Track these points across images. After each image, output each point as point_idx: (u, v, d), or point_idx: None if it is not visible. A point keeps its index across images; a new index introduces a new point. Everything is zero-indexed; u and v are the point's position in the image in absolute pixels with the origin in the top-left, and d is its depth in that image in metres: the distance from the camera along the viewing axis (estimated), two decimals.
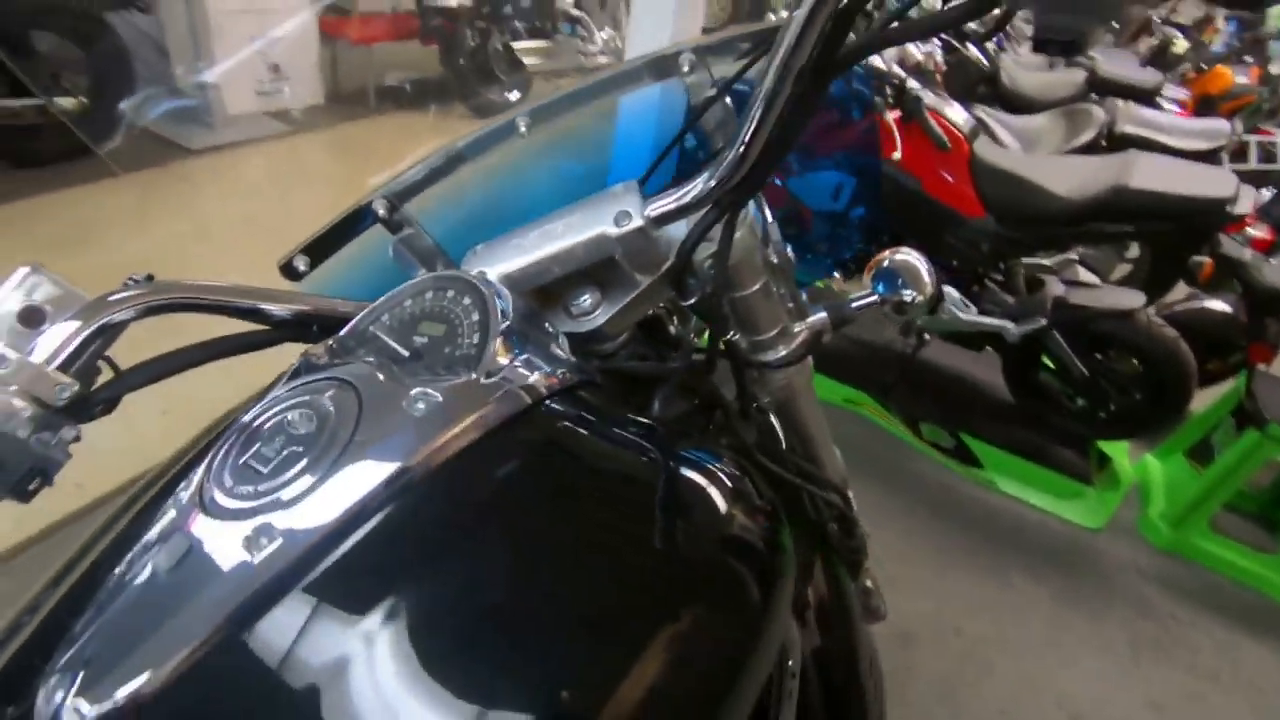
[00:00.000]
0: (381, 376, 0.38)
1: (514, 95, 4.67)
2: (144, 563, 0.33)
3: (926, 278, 0.65)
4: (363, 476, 0.34)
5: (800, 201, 2.12)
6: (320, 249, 0.59)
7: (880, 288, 0.65)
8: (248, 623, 0.30)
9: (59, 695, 0.29)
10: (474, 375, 0.39)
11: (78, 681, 0.30)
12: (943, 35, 2.96)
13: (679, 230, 0.52)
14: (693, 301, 0.54)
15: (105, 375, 0.45)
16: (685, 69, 0.52)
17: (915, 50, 2.03)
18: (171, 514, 0.36)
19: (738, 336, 0.64)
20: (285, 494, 0.33)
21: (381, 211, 0.57)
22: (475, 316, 0.42)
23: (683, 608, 0.36)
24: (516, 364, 0.41)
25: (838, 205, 2.03)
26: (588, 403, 0.45)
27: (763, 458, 0.69)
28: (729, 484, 0.43)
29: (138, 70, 3.03)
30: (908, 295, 0.64)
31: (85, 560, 0.40)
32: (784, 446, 0.86)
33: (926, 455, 2.16)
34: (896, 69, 1.83)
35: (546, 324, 0.50)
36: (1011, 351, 2.11)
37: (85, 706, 0.29)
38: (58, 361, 0.41)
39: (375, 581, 0.32)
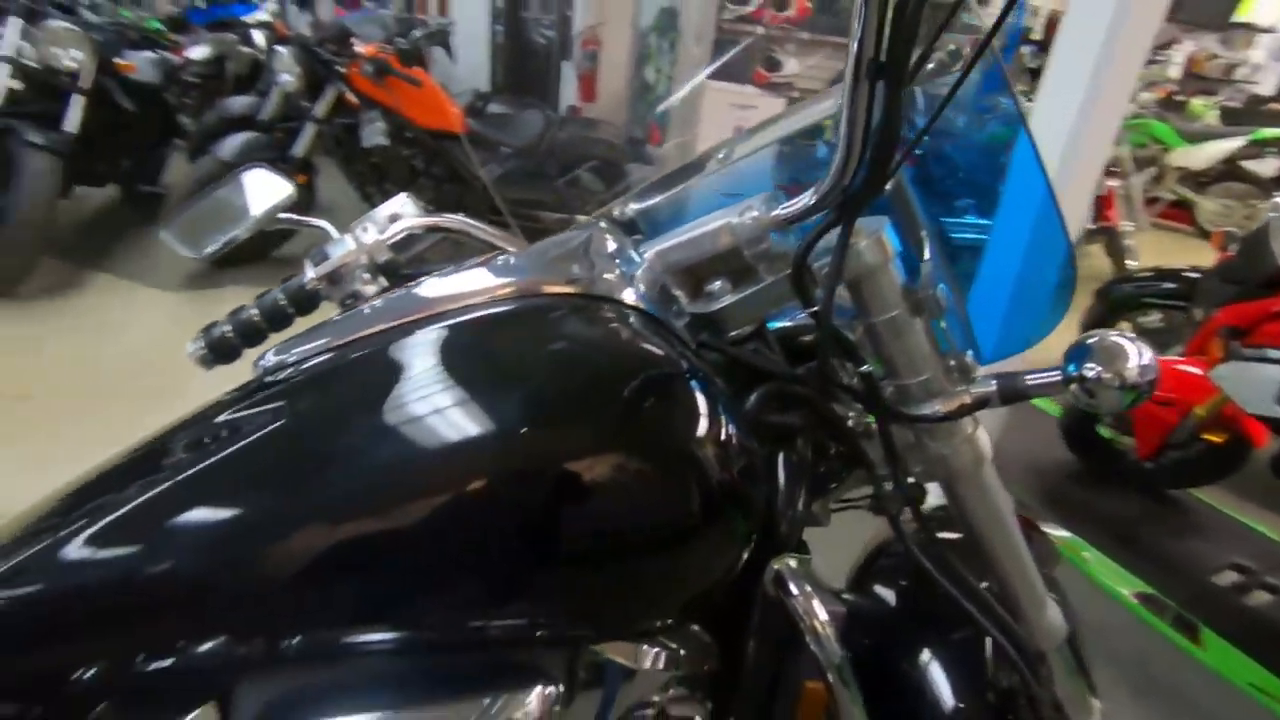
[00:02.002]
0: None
1: None
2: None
3: (1132, 361, 0.53)
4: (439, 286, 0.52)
5: (1234, 403, 1.66)
6: None
7: (1070, 367, 0.56)
8: (350, 347, 0.50)
9: (269, 353, 0.52)
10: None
11: (280, 352, 0.52)
12: None
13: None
14: (813, 310, 0.57)
15: None
16: None
17: None
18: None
19: (883, 380, 0.62)
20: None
21: (616, 213, 0.76)
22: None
23: (606, 456, 0.44)
24: (609, 268, 0.54)
25: None
26: (655, 324, 0.54)
27: (917, 550, 0.63)
28: (711, 418, 0.48)
29: None
30: (1091, 371, 0.54)
31: None
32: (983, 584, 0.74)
33: None
34: None
35: (676, 298, 0.61)
36: None
37: (271, 356, 0.51)
38: (389, 242, 0.70)
39: (419, 348, 0.48)
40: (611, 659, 0.52)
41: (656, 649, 0.53)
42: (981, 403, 0.59)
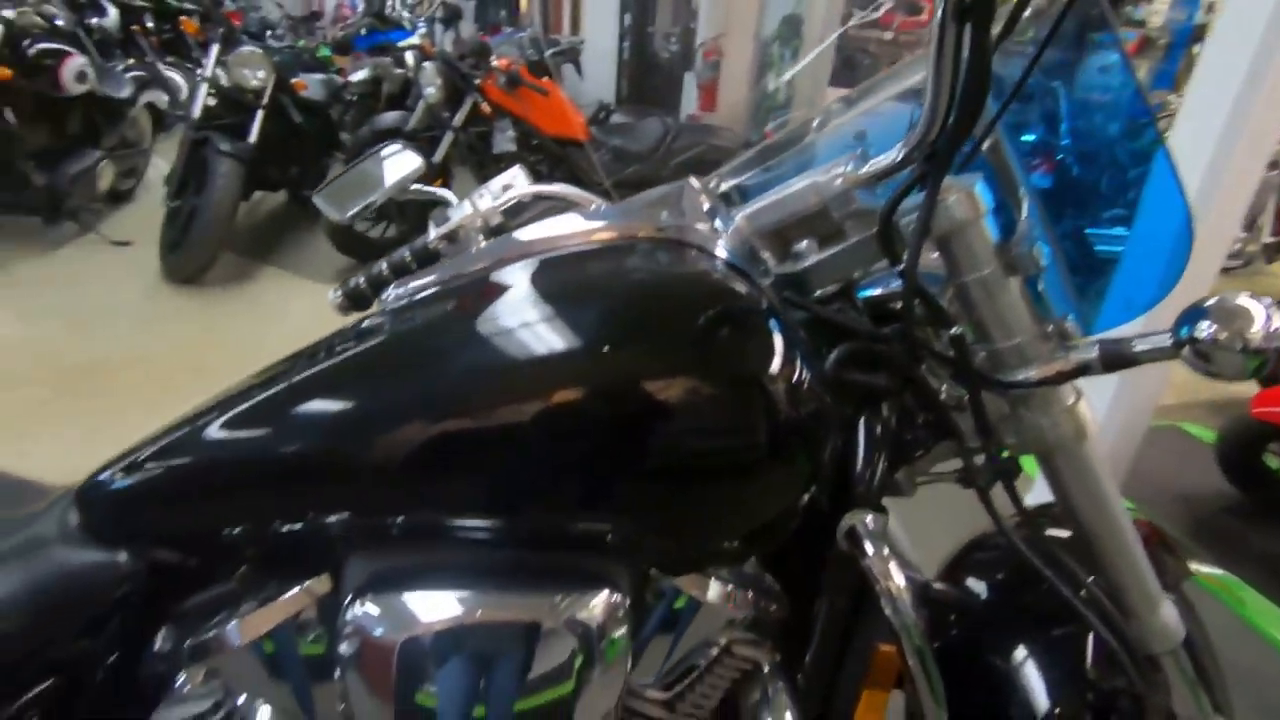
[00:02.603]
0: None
1: None
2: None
3: (1257, 324, 0.49)
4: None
5: None
6: None
7: (1183, 330, 0.52)
8: (459, 278, 0.56)
9: (390, 289, 0.59)
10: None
11: (399, 286, 0.59)
12: None
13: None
14: (899, 268, 0.57)
15: None
16: None
17: None
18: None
19: (975, 344, 0.60)
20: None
21: (713, 185, 0.79)
22: None
23: (665, 384, 0.48)
24: (700, 219, 0.58)
25: None
26: (739, 272, 0.56)
27: (1012, 532, 0.60)
28: (786, 356, 0.50)
29: None
30: (1205, 333, 0.49)
31: None
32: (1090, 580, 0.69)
33: None
34: None
35: (763, 259, 0.62)
36: None
37: (393, 292, 0.58)
38: (502, 208, 0.76)
39: (518, 276, 0.53)
40: (679, 589, 0.54)
41: (723, 583, 0.55)
42: (1082, 369, 0.56)
